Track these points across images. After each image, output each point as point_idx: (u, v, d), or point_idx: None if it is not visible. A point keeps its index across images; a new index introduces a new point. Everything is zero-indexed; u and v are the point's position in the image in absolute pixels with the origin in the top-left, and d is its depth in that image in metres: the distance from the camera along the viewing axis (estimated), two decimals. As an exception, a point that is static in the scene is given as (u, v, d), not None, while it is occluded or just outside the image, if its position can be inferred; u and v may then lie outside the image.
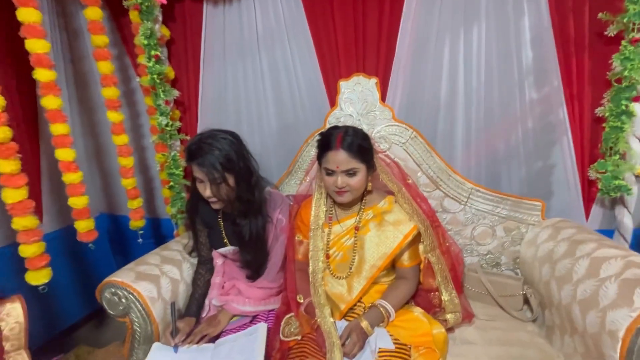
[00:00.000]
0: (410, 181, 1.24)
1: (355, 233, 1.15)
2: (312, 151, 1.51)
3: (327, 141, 1.09)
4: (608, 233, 1.38)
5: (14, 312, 0.87)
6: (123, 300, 1.10)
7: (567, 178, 1.45)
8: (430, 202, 1.32)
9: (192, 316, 1.16)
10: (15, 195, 1.06)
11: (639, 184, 1.33)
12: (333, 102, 1.55)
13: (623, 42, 1.19)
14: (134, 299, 1.09)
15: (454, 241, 1.32)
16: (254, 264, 1.21)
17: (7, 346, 0.80)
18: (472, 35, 1.44)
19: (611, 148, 1.29)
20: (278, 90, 1.67)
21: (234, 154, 1.10)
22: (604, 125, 1.30)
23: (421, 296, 1.19)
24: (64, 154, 1.24)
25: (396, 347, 0.97)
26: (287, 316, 1.10)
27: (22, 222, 1.09)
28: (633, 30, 1.16)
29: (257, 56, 1.65)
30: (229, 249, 1.23)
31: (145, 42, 1.46)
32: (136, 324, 1.11)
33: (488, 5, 1.40)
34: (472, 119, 1.50)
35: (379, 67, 1.53)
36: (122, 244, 2.10)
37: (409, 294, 1.14)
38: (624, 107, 1.19)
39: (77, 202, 1.28)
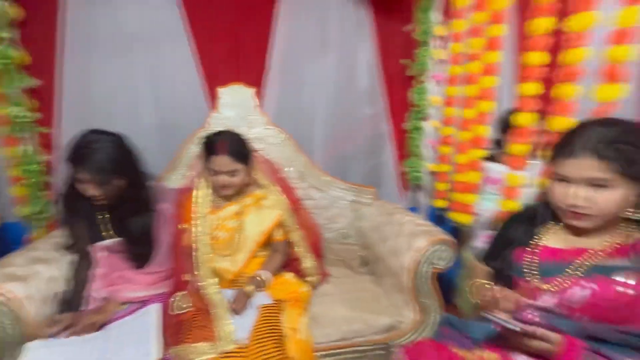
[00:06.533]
0: (280, 175, 1.54)
1: (237, 217, 1.38)
2: (194, 149, 1.65)
3: (211, 147, 1.29)
4: (415, 209, 2.03)
5: None
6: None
7: (390, 172, 2.05)
8: (299, 191, 1.66)
9: (76, 310, 1.16)
10: None
11: (430, 176, 2.01)
12: (213, 105, 1.72)
13: (417, 80, 1.81)
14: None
15: (314, 221, 1.67)
16: (144, 255, 1.28)
17: None
18: (327, 63, 1.86)
19: (413, 151, 1.92)
20: (156, 91, 1.73)
21: (120, 157, 1.17)
22: (408, 135, 1.92)
23: (291, 265, 1.51)
24: None
25: (273, 302, 1.25)
26: (175, 294, 1.25)
27: None
28: (421, 74, 1.79)
29: (131, 55, 1.67)
30: (113, 241, 1.27)
31: (-7, 22, 1.31)
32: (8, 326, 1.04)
33: (338, 39, 1.85)
34: (329, 127, 1.94)
35: (256, 76, 1.79)
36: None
37: (282, 262, 1.44)
38: (417, 124, 1.82)
39: None
